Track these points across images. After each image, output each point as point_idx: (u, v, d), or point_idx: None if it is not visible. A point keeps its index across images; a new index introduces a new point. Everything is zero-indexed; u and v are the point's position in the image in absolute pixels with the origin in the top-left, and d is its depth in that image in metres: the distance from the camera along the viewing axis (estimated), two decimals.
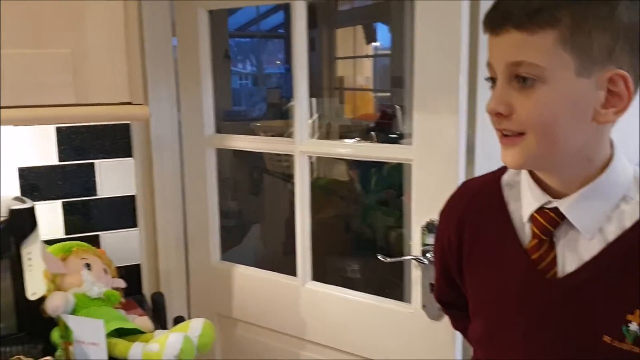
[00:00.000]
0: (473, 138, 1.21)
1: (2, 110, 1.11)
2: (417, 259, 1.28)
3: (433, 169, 1.25)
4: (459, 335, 1.23)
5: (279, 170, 2.76)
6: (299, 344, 1.54)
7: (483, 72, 0.79)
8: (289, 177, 2.52)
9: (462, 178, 1.20)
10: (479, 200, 0.91)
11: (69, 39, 1.15)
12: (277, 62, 6.32)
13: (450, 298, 1.00)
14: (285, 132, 2.54)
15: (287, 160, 2.58)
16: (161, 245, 1.62)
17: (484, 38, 0.75)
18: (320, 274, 1.54)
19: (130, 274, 1.52)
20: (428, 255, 1.26)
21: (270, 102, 4.09)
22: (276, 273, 1.59)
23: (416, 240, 1.29)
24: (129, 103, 1.21)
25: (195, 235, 1.68)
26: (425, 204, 1.26)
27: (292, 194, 1.53)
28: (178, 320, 1.36)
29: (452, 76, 1.19)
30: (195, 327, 1.20)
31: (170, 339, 1.15)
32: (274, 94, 4.21)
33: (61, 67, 1.15)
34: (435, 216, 1.20)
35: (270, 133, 2.78)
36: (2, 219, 1.22)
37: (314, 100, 2.60)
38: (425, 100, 1.24)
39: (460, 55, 1.17)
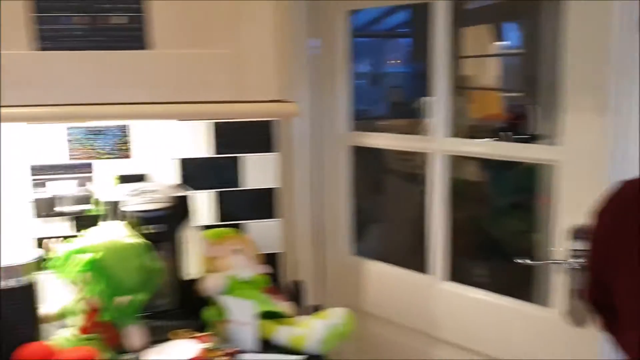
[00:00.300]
0: (624, 140, 1.16)
1: (170, 105, 1.22)
2: (561, 264, 1.25)
3: (581, 172, 1.21)
4: (602, 343, 1.19)
5: (403, 169, 2.77)
6: (430, 342, 1.56)
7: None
8: (414, 176, 2.52)
9: (610, 181, 1.16)
10: (634, 204, 0.88)
11: (230, 40, 1.23)
12: (397, 61, 6.29)
13: (603, 300, 0.98)
14: (410, 132, 2.53)
15: (412, 159, 2.58)
16: (299, 237, 1.70)
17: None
18: (449, 274, 1.55)
19: (269, 262, 1.60)
20: (573, 260, 1.22)
21: (393, 101, 4.10)
22: (408, 270, 1.61)
23: (560, 245, 1.26)
24: (279, 100, 1.28)
25: (330, 228, 1.75)
26: (571, 207, 1.23)
27: (416, 193, 1.54)
28: (317, 308, 1.42)
29: (602, 77, 1.15)
30: (337, 315, 1.25)
31: (315, 325, 1.21)
32: (396, 93, 4.22)
33: (222, 66, 1.24)
34: (580, 220, 1.17)
35: (394, 132, 2.78)
36: (166, 205, 1.34)
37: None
38: (574, 100, 1.21)
39: (610, 55, 1.13)
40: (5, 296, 1.15)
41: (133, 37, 1.15)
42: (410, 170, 2.68)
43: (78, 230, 1.48)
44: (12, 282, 1.15)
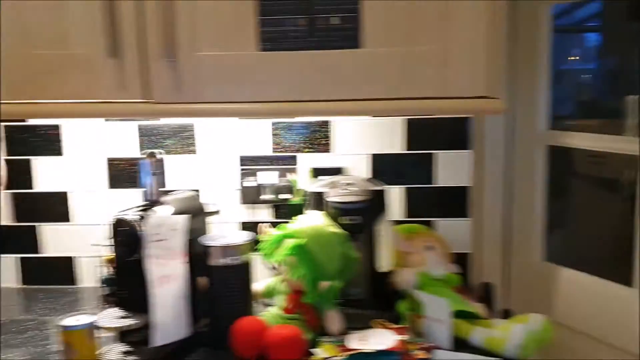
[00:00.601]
0: None
1: (375, 102, 1.26)
2: None
3: None
4: None
5: (593, 172, 2.58)
6: (628, 358, 1.44)
7: None
8: (607, 180, 2.33)
9: None
10: None
11: (438, 37, 1.23)
12: (576, 57, 5.85)
13: None
14: (603, 132, 2.35)
15: (604, 162, 2.40)
16: (487, 238, 1.67)
17: None
18: None
19: (458, 261, 1.59)
20: None
21: (582, 99, 3.83)
22: (608, 281, 1.50)
23: None
24: (483, 97, 1.25)
25: (520, 231, 1.69)
26: None
27: (609, 198, 1.43)
28: (507, 312, 1.38)
29: None
30: (535, 321, 1.21)
31: (515, 329, 1.17)
32: (584, 90, 3.94)
33: (430, 63, 1.24)
34: None
35: (585, 132, 2.60)
36: (363, 198, 1.39)
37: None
38: None
39: None
40: (224, 272, 1.27)
41: (346, 36, 1.20)
42: (601, 174, 2.49)
43: (277, 217, 1.60)
44: (229, 260, 1.27)
